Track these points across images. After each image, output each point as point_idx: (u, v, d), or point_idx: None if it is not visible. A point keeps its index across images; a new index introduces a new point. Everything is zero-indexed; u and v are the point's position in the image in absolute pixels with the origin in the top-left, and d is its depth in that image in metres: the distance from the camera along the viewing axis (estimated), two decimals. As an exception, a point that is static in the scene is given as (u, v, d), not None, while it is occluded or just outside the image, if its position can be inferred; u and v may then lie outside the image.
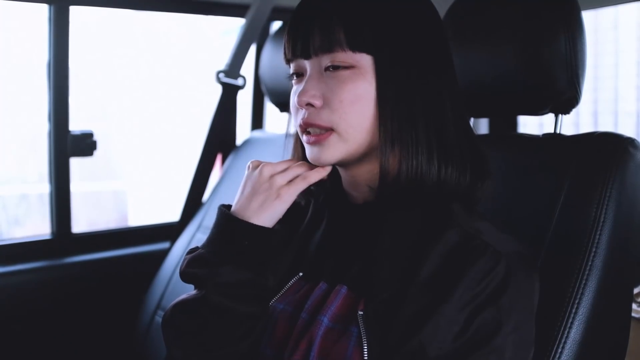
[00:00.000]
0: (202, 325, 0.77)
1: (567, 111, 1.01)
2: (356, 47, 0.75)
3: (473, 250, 0.71)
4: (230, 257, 0.76)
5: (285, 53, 0.81)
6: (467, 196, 0.78)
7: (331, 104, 0.76)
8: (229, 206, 0.82)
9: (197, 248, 0.81)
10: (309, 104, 0.77)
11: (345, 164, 0.80)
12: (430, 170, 0.75)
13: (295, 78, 0.82)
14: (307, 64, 0.78)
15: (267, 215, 0.78)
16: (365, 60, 0.75)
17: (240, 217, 0.78)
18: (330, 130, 0.76)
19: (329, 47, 0.75)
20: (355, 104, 0.75)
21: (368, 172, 0.79)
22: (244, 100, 2.14)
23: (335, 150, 0.77)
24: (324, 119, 0.76)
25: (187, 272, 0.79)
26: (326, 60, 0.76)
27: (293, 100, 0.80)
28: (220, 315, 0.76)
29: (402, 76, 0.76)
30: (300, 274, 0.84)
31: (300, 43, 0.77)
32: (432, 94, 0.77)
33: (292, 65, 0.81)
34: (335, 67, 0.76)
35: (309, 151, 0.79)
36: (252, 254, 0.77)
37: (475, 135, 0.83)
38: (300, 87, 0.78)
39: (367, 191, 0.81)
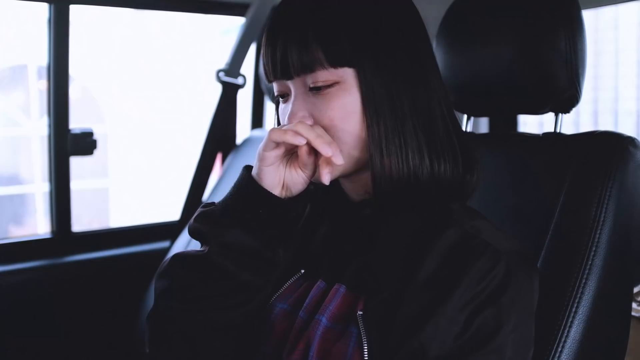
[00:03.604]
0: (199, 281, 0.75)
1: (567, 110, 1.01)
2: (337, 63, 0.74)
3: (473, 249, 0.71)
4: (242, 221, 0.75)
5: (266, 74, 0.80)
6: (461, 190, 0.78)
7: (322, 124, 0.75)
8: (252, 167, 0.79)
9: (212, 203, 0.79)
10: None
11: (344, 176, 0.80)
12: (423, 170, 0.75)
13: (281, 98, 0.81)
14: (290, 84, 0.77)
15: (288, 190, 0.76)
16: (347, 74, 0.74)
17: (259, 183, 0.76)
18: None
19: (309, 67, 0.74)
20: (345, 120, 0.74)
21: (365, 179, 0.79)
22: (244, 99, 2.15)
23: (333, 168, 0.76)
24: None
25: (194, 227, 0.77)
26: (309, 80, 0.75)
27: (283, 122, 0.79)
28: (219, 276, 0.74)
29: (386, 83, 0.75)
30: (302, 271, 0.84)
31: (280, 64, 0.76)
32: (417, 94, 0.76)
33: (274, 84, 0.80)
34: (319, 87, 0.75)
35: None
36: (264, 223, 0.75)
37: (462, 129, 0.82)
38: (288, 108, 0.77)
39: (366, 194, 0.81)
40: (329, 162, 0.73)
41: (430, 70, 0.79)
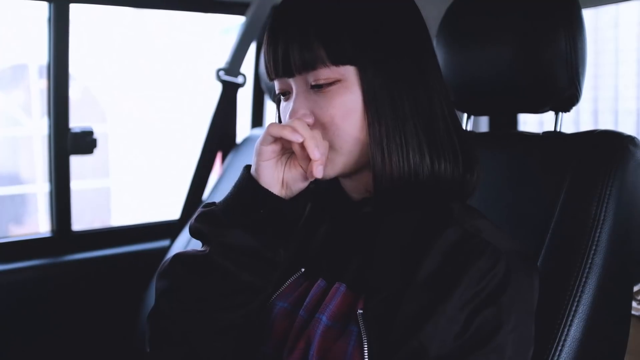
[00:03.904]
0: (200, 282, 0.75)
1: (567, 109, 1.01)
2: (338, 61, 0.74)
3: (473, 248, 0.71)
4: (242, 222, 0.75)
5: (267, 72, 0.80)
6: (461, 189, 0.78)
7: (323, 121, 0.75)
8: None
9: (213, 203, 0.79)
10: None
11: (344, 174, 0.80)
12: (423, 169, 0.75)
13: (282, 96, 0.81)
14: (291, 82, 0.77)
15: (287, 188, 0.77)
16: (349, 72, 0.75)
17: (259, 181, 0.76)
18: None
19: (311, 65, 0.74)
20: (346, 118, 0.75)
21: (365, 177, 0.79)
22: (245, 98, 2.15)
23: (334, 165, 0.77)
24: None
25: (194, 227, 0.78)
26: (310, 78, 0.75)
27: (284, 120, 0.79)
28: (220, 277, 0.74)
29: (387, 81, 0.75)
30: (302, 269, 0.84)
31: (281, 62, 0.76)
32: (418, 93, 0.76)
33: (276, 82, 0.81)
34: (321, 85, 0.75)
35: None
36: (265, 223, 0.75)
37: (463, 128, 0.82)
38: (289, 106, 0.78)
39: (365, 193, 0.81)
40: (323, 162, 0.74)
41: (431, 69, 0.79)
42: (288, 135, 0.73)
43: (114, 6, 1.84)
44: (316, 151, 0.72)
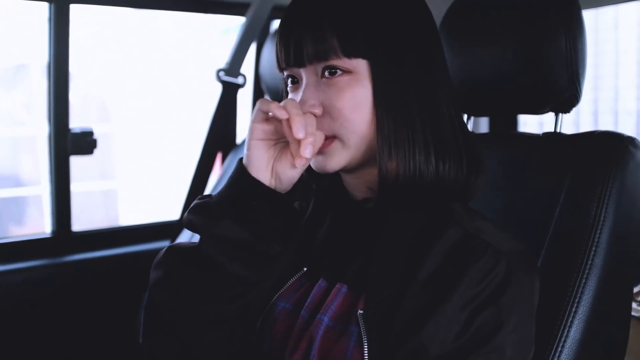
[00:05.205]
0: (192, 274, 0.74)
1: (567, 110, 1.01)
2: (351, 53, 0.74)
3: (473, 249, 0.71)
4: (232, 213, 0.74)
5: (278, 62, 0.80)
6: (464, 191, 0.78)
7: (331, 113, 0.75)
8: None
9: (209, 195, 0.78)
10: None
11: (348, 169, 0.79)
12: (428, 168, 0.75)
13: (290, 84, 0.81)
14: (302, 72, 0.77)
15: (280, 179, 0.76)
16: (361, 65, 0.75)
17: (252, 174, 0.75)
18: (332, 138, 0.76)
19: (323, 56, 0.74)
20: (354, 111, 0.75)
21: (368, 174, 0.79)
22: (245, 99, 2.15)
23: (339, 157, 0.77)
24: (325, 127, 0.75)
25: (187, 219, 0.77)
26: (321, 68, 0.75)
27: None
28: (211, 269, 0.73)
29: (398, 78, 0.75)
30: (305, 269, 0.84)
31: (293, 52, 0.76)
32: (427, 92, 0.77)
33: (286, 72, 0.80)
34: (332, 74, 0.75)
35: (312, 160, 0.78)
36: (256, 215, 0.74)
37: (468, 129, 0.83)
38: (298, 96, 0.77)
39: (367, 191, 0.81)
40: (312, 142, 0.71)
41: (440, 70, 0.79)
42: (274, 110, 0.71)
43: (114, 6, 1.84)
44: (301, 129, 0.70)
